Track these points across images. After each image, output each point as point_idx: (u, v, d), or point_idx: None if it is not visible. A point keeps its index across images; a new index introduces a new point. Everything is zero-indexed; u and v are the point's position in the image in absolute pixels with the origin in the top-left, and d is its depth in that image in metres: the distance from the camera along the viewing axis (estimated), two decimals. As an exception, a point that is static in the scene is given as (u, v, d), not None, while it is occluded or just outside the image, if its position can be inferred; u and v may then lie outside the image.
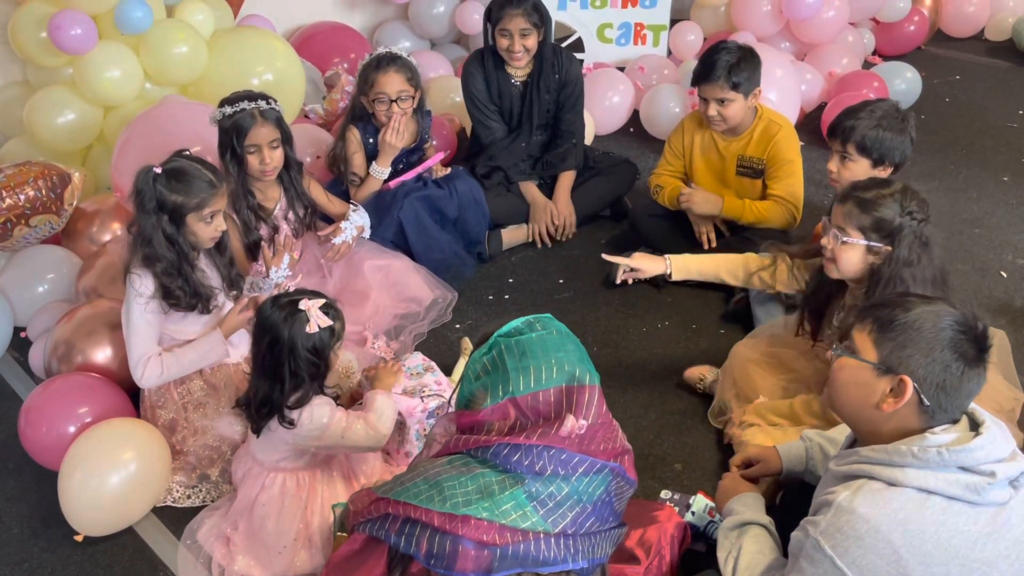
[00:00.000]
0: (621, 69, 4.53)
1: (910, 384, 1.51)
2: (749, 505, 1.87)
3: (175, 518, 2.36)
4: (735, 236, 3.09)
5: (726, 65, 2.86)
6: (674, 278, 2.60)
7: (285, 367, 2.06)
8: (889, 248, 2.07)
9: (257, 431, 2.15)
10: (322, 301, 2.10)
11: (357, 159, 3.21)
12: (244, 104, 2.65)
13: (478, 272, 3.31)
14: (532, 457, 1.49)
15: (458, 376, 2.65)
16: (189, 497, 2.40)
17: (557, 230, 3.43)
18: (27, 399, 2.46)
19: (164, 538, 2.32)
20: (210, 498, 2.39)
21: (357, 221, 2.97)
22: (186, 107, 3.28)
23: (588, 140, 3.87)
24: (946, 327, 1.51)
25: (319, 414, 2.11)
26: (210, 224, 2.34)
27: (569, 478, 1.50)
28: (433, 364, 2.57)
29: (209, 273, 2.46)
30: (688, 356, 2.84)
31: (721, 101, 2.92)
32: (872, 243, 2.09)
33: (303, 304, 2.06)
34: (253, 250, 2.82)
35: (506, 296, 3.19)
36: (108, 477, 2.24)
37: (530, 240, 3.45)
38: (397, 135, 3.11)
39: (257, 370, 2.12)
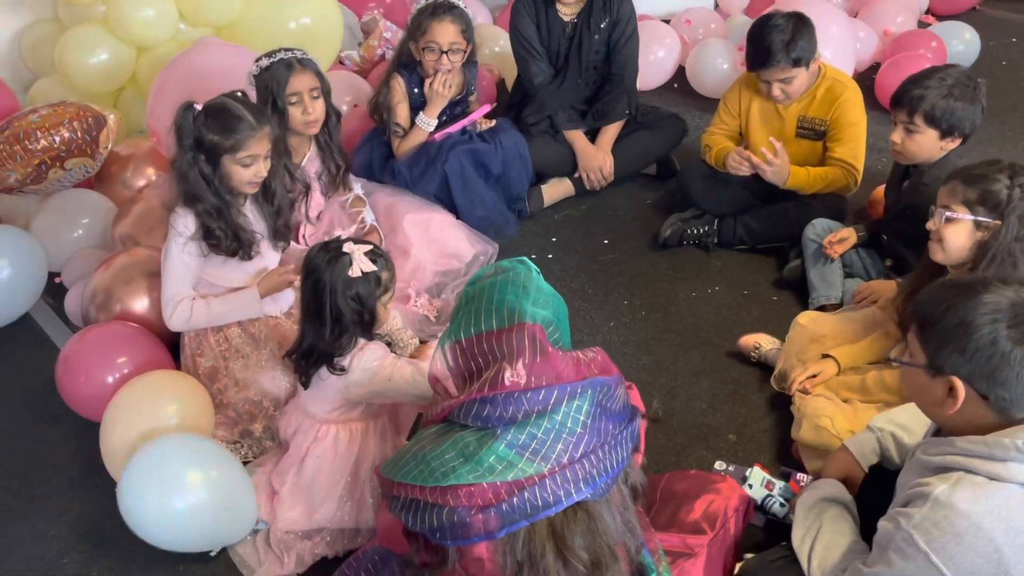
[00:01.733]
0: (666, 22, 4.37)
1: (959, 384, 1.44)
2: (831, 482, 1.80)
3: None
4: (791, 200, 2.97)
5: (782, 44, 2.73)
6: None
7: (327, 311, 1.99)
8: (998, 222, 1.97)
9: (306, 383, 2.09)
10: (369, 247, 2.02)
11: (401, 109, 3.10)
12: (281, 54, 2.57)
13: (520, 230, 3.22)
14: (500, 407, 1.47)
15: None
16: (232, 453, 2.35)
17: (593, 181, 3.33)
18: (64, 347, 2.41)
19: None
20: (252, 454, 2.34)
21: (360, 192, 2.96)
22: (223, 50, 3.17)
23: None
24: (984, 315, 1.40)
25: (369, 357, 2.04)
26: (248, 168, 2.26)
27: (545, 414, 1.47)
28: None
29: (253, 220, 2.38)
30: (740, 323, 2.76)
31: (784, 79, 2.80)
32: (979, 217, 1.99)
33: (347, 247, 1.99)
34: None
35: (549, 256, 3.11)
36: (151, 431, 2.18)
37: (577, 190, 3.35)
38: (446, 85, 3.00)
39: (303, 315, 2.06)
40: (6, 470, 2.36)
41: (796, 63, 2.75)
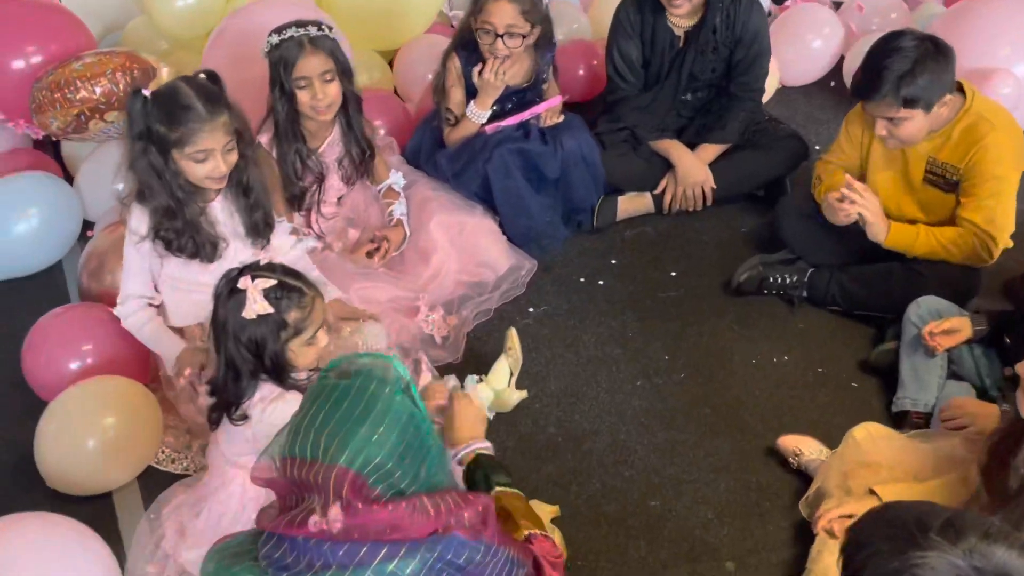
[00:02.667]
0: (838, 4, 3.65)
1: None
2: None
3: (160, 481, 2.13)
4: (902, 264, 2.33)
5: (896, 76, 2.08)
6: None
7: (222, 352, 1.73)
8: None
9: (215, 420, 1.84)
10: (273, 282, 1.70)
11: (455, 94, 2.72)
12: (292, 31, 2.27)
13: (578, 245, 2.78)
14: (297, 552, 1.23)
15: (495, 380, 2.19)
16: (174, 461, 2.18)
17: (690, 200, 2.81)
18: (39, 320, 2.29)
19: (135, 504, 2.11)
20: (193, 467, 2.16)
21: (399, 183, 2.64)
22: (293, 8, 2.90)
23: (766, 95, 3.13)
24: None
25: (279, 413, 1.75)
26: (202, 164, 2.00)
27: (346, 570, 1.21)
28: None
29: (223, 218, 2.13)
30: (796, 412, 2.22)
31: (892, 120, 2.15)
32: None
33: (242, 282, 1.69)
34: (296, 201, 2.50)
35: (600, 282, 2.66)
36: (85, 441, 2.05)
37: (655, 211, 2.86)
38: (499, 74, 2.59)
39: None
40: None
41: (908, 103, 2.09)
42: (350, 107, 2.43)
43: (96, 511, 2.07)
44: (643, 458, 2.13)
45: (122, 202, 2.13)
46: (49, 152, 3.16)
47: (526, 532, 1.46)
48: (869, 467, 1.87)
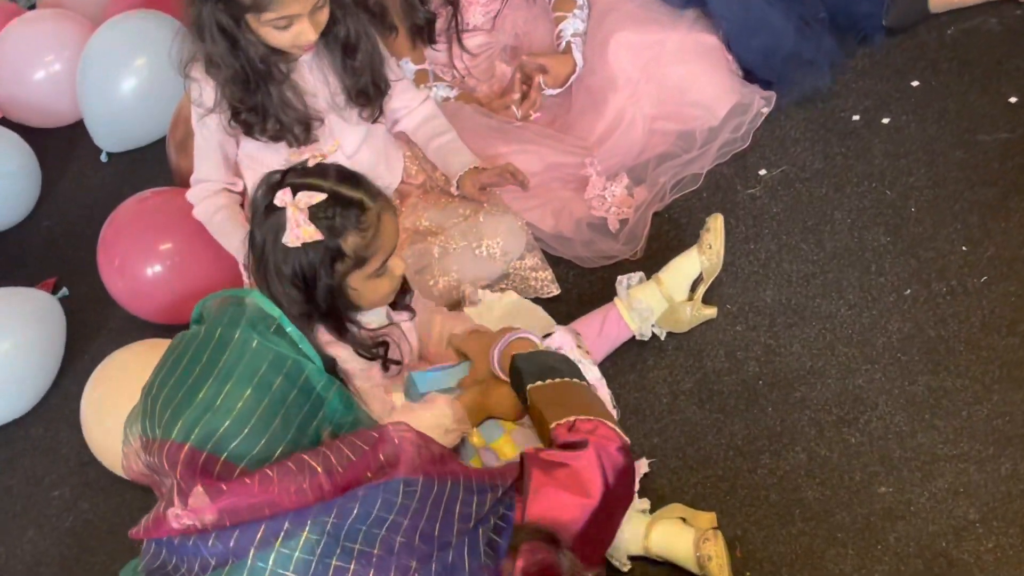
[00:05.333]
0: None
1: None
2: None
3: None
4: None
5: None
6: None
7: (266, 287, 1.77)
8: None
9: None
10: (322, 196, 1.70)
11: None
12: None
13: (859, 59, 2.54)
14: (173, 557, 1.40)
15: (672, 284, 2.10)
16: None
17: None
18: (113, 212, 2.58)
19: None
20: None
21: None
22: None
23: None
24: None
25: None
26: (285, 30, 2.05)
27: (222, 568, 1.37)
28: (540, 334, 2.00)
29: (315, 85, 2.21)
30: None
31: None
32: None
33: (280, 197, 1.70)
34: (424, 33, 2.53)
35: (885, 119, 2.41)
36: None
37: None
38: None
39: None
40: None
41: None
42: None
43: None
44: (884, 417, 1.91)
45: (183, 73, 2.23)
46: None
47: (564, 420, 1.57)
48: None
